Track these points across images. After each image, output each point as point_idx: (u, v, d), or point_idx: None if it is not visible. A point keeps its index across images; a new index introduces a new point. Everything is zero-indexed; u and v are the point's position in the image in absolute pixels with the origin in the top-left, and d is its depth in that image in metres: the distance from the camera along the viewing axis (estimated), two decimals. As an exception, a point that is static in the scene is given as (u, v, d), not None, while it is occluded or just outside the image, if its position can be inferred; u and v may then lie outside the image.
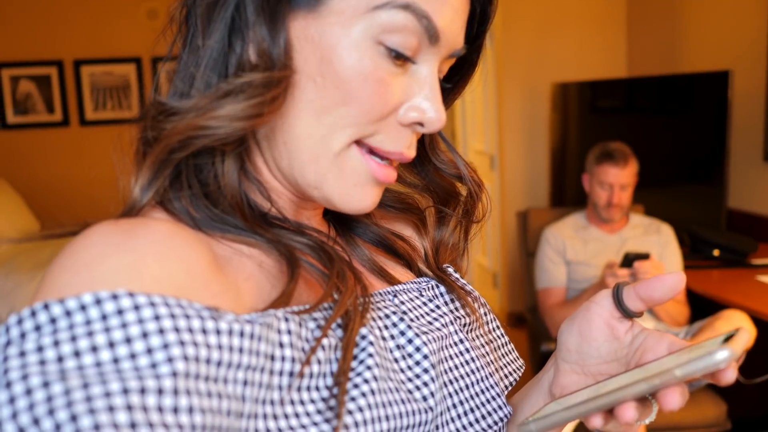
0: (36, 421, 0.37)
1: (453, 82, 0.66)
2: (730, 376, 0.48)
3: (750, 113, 3.18)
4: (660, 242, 2.63)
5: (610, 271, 2.35)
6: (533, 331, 2.96)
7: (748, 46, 3.18)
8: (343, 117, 0.54)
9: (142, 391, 0.39)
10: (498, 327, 0.73)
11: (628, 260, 2.32)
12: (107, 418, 0.38)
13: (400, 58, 0.54)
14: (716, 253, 2.83)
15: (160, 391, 0.40)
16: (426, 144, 0.68)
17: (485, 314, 0.72)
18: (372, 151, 0.57)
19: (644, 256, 2.32)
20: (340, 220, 0.69)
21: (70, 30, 4.64)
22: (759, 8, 3.09)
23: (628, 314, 0.57)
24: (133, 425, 0.38)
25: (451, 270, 0.73)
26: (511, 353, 0.74)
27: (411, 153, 0.58)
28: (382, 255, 0.69)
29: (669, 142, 3.40)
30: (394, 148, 0.56)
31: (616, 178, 2.57)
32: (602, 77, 4.10)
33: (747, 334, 0.48)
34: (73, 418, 0.37)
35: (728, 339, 0.48)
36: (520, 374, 0.72)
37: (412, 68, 0.56)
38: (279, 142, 0.56)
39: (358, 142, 0.56)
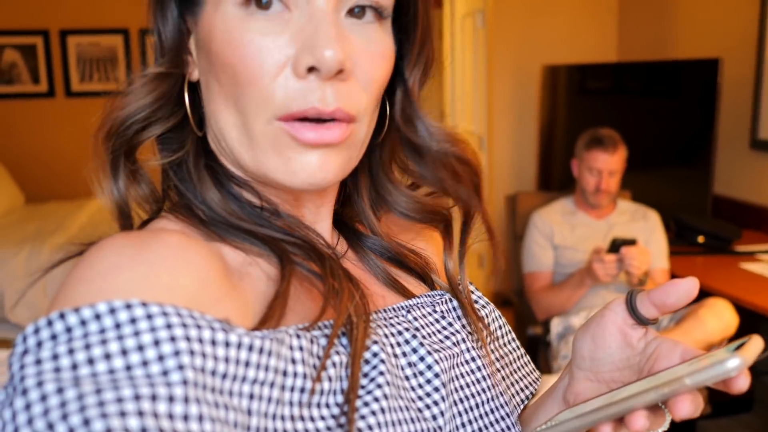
0: (50, 426, 0.38)
1: (407, 19, 0.59)
2: (743, 383, 0.46)
3: (738, 101, 3.20)
4: (646, 228, 2.65)
5: (597, 256, 2.37)
6: (519, 315, 2.99)
7: (738, 35, 3.20)
8: (242, 97, 0.53)
9: (154, 397, 0.40)
10: (513, 340, 0.73)
11: (615, 246, 2.35)
12: (119, 422, 0.38)
13: (265, 6, 0.52)
14: (701, 239, 2.87)
15: (171, 399, 0.41)
16: (397, 114, 0.62)
17: (500, 327, 0.71)
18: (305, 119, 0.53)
19: (631, 242, 2.35)
20: (351, 233, 0.69)
21: (57, -1, 4.56)
22: (751, -4, 3.10)
23: (641, 321, 0.56)
24: (143, 430, 0.39)
25: (472, 288, 0.71)
26: (526, 366, 0.73)
27: (328, 106, 0.52)
28: (395, 268, 0.69)
29: (657, 127, 3.42)
30: (302, 106, 0.52)
31: (605, 164, 2.59)
32: (592, 61, 4.11)
33: (760, 343, 0.47)
34: (86, 422, 0.38)
35: (740, 347, 0.47)
36: (536, 387, 0.72)
37: (294, 17, 0.52)
38: (222, 142, 0.58)
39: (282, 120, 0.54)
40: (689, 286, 0.53)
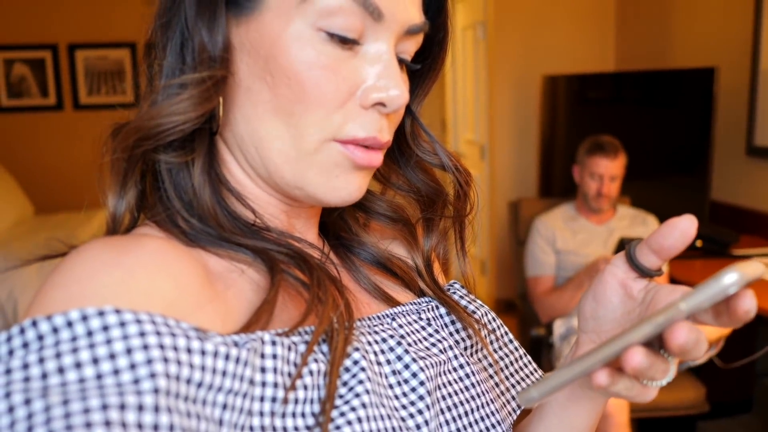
0: None
1: (424, 65, 0.64)
2: (748, 303, 0.42)
3: (734, 109, 3.27)
4: (646, 233, 2.72)
5: (604, 257, 2.45)
6: (523, 317, 3.06)
7: (734, 44, 3.28)
8: (303, 115, 0.53)
9: (122, 407, 0.39)
10: (512, 341, 0.71)
11: (623, 245, 2.41)
12: None
13: (345, 41, 0.53)
14: (699, 243, 2.93)
15: (140, 408, 0.40)
16: (407, 133, 0.66)
17: (497, 329, 0.70)
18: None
19: (639, 241, 2.41)
20: (337, 240, 0.68)
21: (65, 13, 4.65)
22: (745, 7, 3.18)
23: (644, 272, 0.53)
24: None
25: (457, 286, 0.71)
26: (527, 366, 0.72)
27: (384, 137, 0.57)
28: (381, 275, 0.68)
29: (655, 135, 3.49)
30: (365, 133, 0.55)
31: (606, 169, 2.67)
32: (591, 71, 4.19)
33: (760, 265, 0.42)
34: None
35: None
36: None
37: (363, 49, 0.55)
38: (250, 149, 0.56)
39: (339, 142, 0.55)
40: (686, 224, 0.49)
